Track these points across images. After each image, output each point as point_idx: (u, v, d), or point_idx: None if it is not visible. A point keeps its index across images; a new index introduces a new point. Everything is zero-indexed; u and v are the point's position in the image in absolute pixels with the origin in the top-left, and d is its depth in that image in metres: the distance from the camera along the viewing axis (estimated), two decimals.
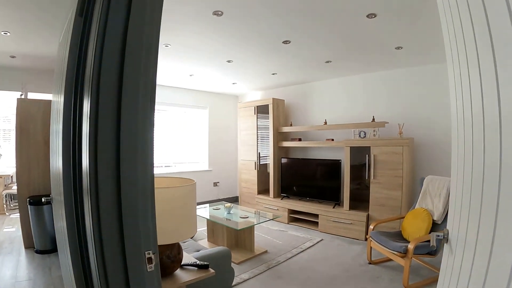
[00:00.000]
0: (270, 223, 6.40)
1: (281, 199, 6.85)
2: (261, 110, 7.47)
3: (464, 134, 1.35)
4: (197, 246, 3.72)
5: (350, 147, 5.71)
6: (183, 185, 1.96)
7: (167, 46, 4.57)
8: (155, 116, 1.19)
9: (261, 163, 7.55)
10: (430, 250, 3.80)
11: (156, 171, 7.26)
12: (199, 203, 7.86)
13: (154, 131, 1.17)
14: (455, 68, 1.39)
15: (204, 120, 8.59)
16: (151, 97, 1.15)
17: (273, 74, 6.39)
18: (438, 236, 1.53)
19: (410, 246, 3.55)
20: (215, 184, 8.69)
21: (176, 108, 7.93)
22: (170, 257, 1.99)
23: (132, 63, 1.07)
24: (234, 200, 8.93)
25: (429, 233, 3.93)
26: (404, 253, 3.60)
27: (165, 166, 7.83)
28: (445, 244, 1.53)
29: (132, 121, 1.09)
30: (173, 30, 3.99)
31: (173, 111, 7.92)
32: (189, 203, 2.01)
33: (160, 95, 7.37)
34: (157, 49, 1.16)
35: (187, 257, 2.39)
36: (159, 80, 6.91)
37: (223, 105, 8.94)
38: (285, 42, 4.37)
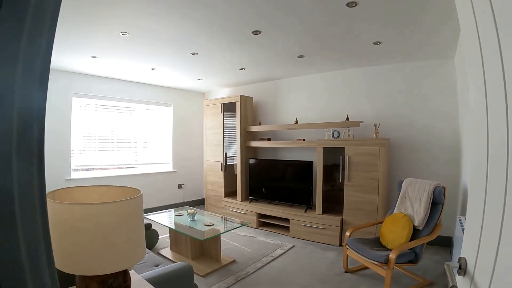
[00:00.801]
0: (238, 229, 6.02)
1: (249, 203, 6.47)
2: (229, 108, 7.07)
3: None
4: (156, 260, 3.31)
5: (323, 147, 5.41)
6: (123, 200, 1.51)
7: (124, 34, 4.09)
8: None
9: (228, 164, 7.14)
10: (412, 258, 3.55)
11: (115, 173, 7.01)
12: (162, 207, 7.42)
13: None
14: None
15: (168, 118, 8.09)
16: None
17: (241, 69, 5.99)
18: (454, 266, 1.17)
19: (392, 256, 3.24)
20: (180, 186, 8.20)
21: (137, 105, 7.36)
22: None
23: None
24: (200, 203, 8.48)
25: (410, 240, 3.65)
26: (385, 263, 3.30)
27: (127, 168, 7.28)
28: (461, 276, 1.18)
29: None
30: (131, 17, 3.54)
31: (135, 109, 7.36)
32: (133, 221, 1.57)
33: (120, 91, 6.91)
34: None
35: (138, 282, 1.96)
36: (117, 74, 6.38)
37: (188, 102, 8.46)
38: (255, 32, 3.98)
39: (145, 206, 6.99)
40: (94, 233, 1.37)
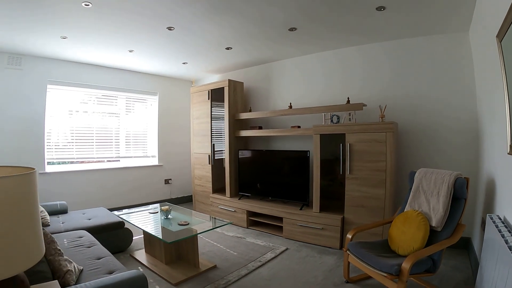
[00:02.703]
0: (226, 228, 5.33)
1: (239, 199, 5.77)
2: (217, 96, 6.36)
3: None
4: (112, 265, 2.73)
5: (320, 134, 4.69)
6: None
7: (87, 5, 3.47)
8: None
9: (216, 157, 6.43)
10: (429, 267, 2.83)
11: (95, 167, 6.30)
12: (147, 204, 6.77)
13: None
14: None
15: (153, 108, 7.40)
16: None
17: (228, 48, 5.27)
18: None
19: (406, 266, 2.53)
20: (167, 181, 7.54)
21: (119, 93, 6.69)
22: None
23: None
24: (189, 199, 7.80)
25: (427, 244, 2.93)
26: (396, 275, 2.58)
27: (108, 161, 6.61)
28: None
29: None
30: None
31: (117, 97, 6.68)
32: (16, 209, 1.09)
33: (100, 78, 6.33)
34: None
35: None
36: (94, 58, 5.74)
37: (175, 90, 7.76)
38: None
39: (128, 203, 6.54)
40: None
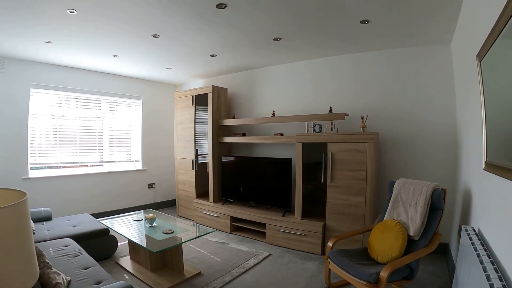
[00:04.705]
0: (210, 234, 5.37)
1: (222, 205, 5.82)
2: (201, 101, 6.39)
3: None
4: (100, 275, 2.74)
5: (303, 143, 4.79)
6: None
7: (72, 12, 3.44)
8: None
9: (199, 161, 6.47)
10: (406, 275, 2.95)
11: (79, 171, 6.27)
12: (131, 209, 6.79)
13: None
14: None
15: (137, 112, 7.38)
16: None
17: (213, 55, 5.32)
18: None
19: (383, 274, 2.64)
20: (150, 185, 7.52)
21: (103, 97, 6.64)
22: None
23: None
24: (173, 204, 7.79)
25: (404, 252, 3.05)
26: (375, 283, 2.69)
27: (92, 166, 6.57)
28: None
29: None
30: None
31: (100, 101, 6.63)
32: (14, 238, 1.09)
33: (83, 82, 6.26)
34: None
35: None
36: (78, 62, 5.70)
37: (159, 95, 7.74)
38: (220, 6, 3.31)
39: (112, 208, 6.53)
40: None
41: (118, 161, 7.10)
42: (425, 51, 4.51)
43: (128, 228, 4.25)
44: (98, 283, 2.60)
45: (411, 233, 3.13)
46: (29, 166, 5.60)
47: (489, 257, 1.83)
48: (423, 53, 4.53)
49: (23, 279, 1.10)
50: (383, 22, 3.76)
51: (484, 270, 1.69)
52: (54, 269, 2.29)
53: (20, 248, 1.10)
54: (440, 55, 4.40)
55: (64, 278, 2.45)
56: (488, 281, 1.57)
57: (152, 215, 4.21)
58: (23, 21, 3.70)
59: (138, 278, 3.71)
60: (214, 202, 6.02)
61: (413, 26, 3.85)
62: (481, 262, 1.78)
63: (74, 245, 3.50)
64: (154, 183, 7.60)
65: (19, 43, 4.58)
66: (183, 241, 3.72)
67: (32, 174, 5.65)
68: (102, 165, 6.78)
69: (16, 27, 3.92)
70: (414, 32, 4.06)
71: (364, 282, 2.77)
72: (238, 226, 5.58)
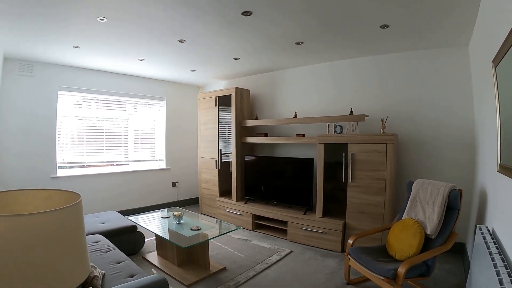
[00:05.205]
0: (233, 231, 5.55)
1: (245, 203, 6.01)
2: (224, 102, 6.59)
3: None
4: (132, 269, 2.90)
5: (324, 143, 4.92)
6: (46, 212, 1.08)
7: (102, 19, 3.66)
8: None
9: (222, 161, 6.68)
10: (423, 271, 3.08)
11: (104, 170, 6.59)
12: (155, 207, 7.07)
13: None
14: None
15: (161, 113, 7.64)
16: None
17: (236, 58, 5.51)
18: None
19: (401, 270, 2.78)
20: (174, 184, 7.76)
21: (128, 99, 6.92)
22: None
23: None
24: (196, 202, 8.05)
25: (421, 250, 3.17)
26: (393, 279, 2.83)
27: (117, 165, 6.84)
28: None
29: None
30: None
31: (125, 103, 6.91)
32: (64, 238, 1.17)
33: (109, 84, 6.51)
34: None
35: None
36: (105, 65, 5.95)
37: (183, 96, 7.99)
38: (245, 13, 3.49)
39: (136, 206, 6.82)
40: (8, 251, 1.00)
41: (143, 160, 7.36)
42: (444, 53, 4.56)
43: (156, 225, 4.47)
44: (131, 276, 2.75)
45: (428, 232, 3.25)
46: (58, 165, 5.87)
47: (500, 255, 1.95)
48: (441, 55, 4.58)
49: (76, 274, 1.20)
50: (402, 26, 3.85)
51: (495, 266, 1.81)
52: (91, 263, 2.48)
53: (78, 244, 1.23)
54: (458, 58, 4.45)
55: (99, 271, 2.64)
56: (497, 276, 1.70)
57: (179, 212, 4.42)
58: (54, 28, 3.91)
59: (165, 273, 3.90)
60: (237, 200, 6.21)
61: (430, 29, 3.91)
62: (493, 260, 1.91)
63: (105, 241, 3.67)
64: (177, 182, 7.84)
65: (48, 48, 4.80)
66: (210, 237, 3.91)
67: (60, 173, 5.92)
68: (127, 164, 7.05)
69: (47, 33, 4.14)
70: (432, 35, 4.12)
71: (383, 278, 2.92)
72: (260, 224, 5.76)
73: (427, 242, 3.24)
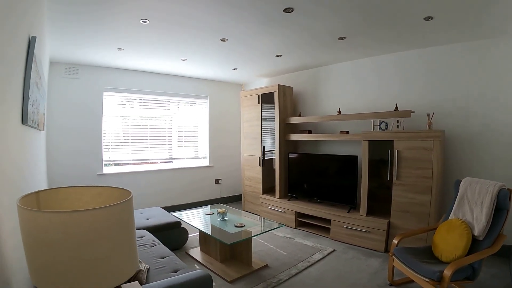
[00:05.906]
0: (275, 229, 5.59)
1: (288, 200, 6.03)
2: (266, 99, 6.63)
3: None
4: (176, 264, 3.00)
5: (369, 140, 4.84)
6: (97, 208, 1.16)
7: (144, 21, 3.81)
8: None
9: (266, 158, 6.72)
10: (469, 275, 2.96)
11: (149, 168, 6.85)
12: (198, 203, 7.26)
13: None
14: None
15: (204, 111, 7.82)
16: None
17: (278, 56, 5.53)
18: None
19: (447, 273, 2.70)
20: (217, 181, 7.92)
21: (171, 98, 7.16)
22: None
23: None
24: (238, 199, 8.18)
25: (468, 252, 3.06)
26: (438, 281, 2.75)
27: (161, 162, 7.08)
28: None
29: None
30: (150, 1, 3.27)
31: (169, 102, 7.15)
32: (116, 233, 1.24)
33: (152, 84, 6.75)
34: None
35: None
36: (148, 66, 6.18)
37: (225, 94, 8.13)
38: (287, 10, 3.50)
39: (180, 202, 7.04)
40: (62, 246, 1.08)
41: (186, 158, 7.57)
42: (492, 43, 4.31)
43: (200, 221, 4.60)
44: (175, 271, 2.84)
45: (476, 233, 3.12)
46: (104, 163, 6.17)
47: None
48: (490, 46, 4.34)
49: (127, 268, 1.27)
50: (446, 17, 3.70)
51: None
52: None
53: (128, 240, 1.29)
54: (508, 48, 4.19)
55: (144, 265, 2.75)
56: None
57: (224, 209, 4.52)
58: (99, 30, 4.09)
59: (208, 268, 4.02)
60: (280, 197, 6.24)
61: (477, 19, 3.72)
62: None
63: (150, 236, 3.82)
64: (220, 179, 8.00)
65: (93, 52, 5.05)
66: (253, 235, 3.97)
67: (106, 170, 6.22)
68: (171, 161, 7.28)
69: (93, 38, 4.36)
70: (479, 25, 3.92)
71: (428, 280, 2.85)
72: (303, 222, 5.76)
73: (474, 244, 3.11)
